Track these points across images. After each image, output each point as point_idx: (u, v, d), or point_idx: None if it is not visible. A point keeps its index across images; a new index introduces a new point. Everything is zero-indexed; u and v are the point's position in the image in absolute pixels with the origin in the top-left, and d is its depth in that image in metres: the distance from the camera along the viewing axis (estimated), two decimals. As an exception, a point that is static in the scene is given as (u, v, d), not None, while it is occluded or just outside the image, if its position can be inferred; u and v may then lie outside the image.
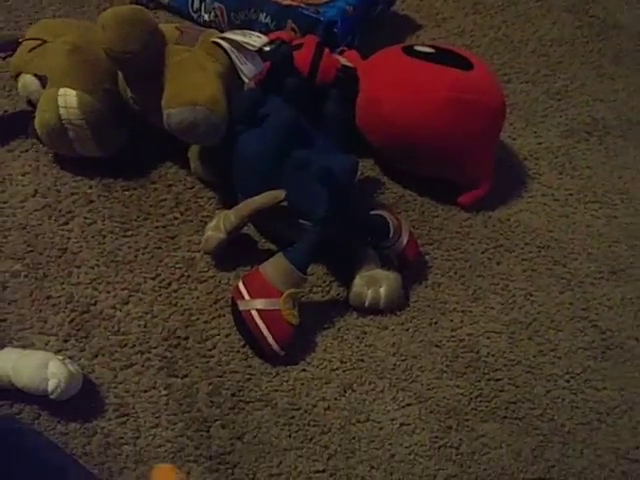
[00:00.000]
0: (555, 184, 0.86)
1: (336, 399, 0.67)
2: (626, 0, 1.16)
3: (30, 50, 0.78)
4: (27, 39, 0.79)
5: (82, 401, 0.64)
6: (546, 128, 0.92)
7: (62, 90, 0.75)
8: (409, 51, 0.79)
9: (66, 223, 0.77)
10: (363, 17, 0.93)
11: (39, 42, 0.78)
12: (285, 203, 0.71)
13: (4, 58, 0.83)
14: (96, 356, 0.68)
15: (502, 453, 0.65)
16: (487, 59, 0.90)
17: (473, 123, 0.76)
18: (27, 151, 0.82)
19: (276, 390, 0.67)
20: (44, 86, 0.77)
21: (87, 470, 0.58)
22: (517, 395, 0.69)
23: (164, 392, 0.66)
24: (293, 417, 0.66)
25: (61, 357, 0.63)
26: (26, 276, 0.72)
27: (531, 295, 0.77)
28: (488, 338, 0.73)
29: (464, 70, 0.77)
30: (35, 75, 0.77)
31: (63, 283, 0.72)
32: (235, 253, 0.75)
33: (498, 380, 0.70)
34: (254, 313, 0.68)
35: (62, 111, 0.75)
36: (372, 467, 0.63)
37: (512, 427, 0.67)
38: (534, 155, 0.89)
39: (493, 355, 0.72)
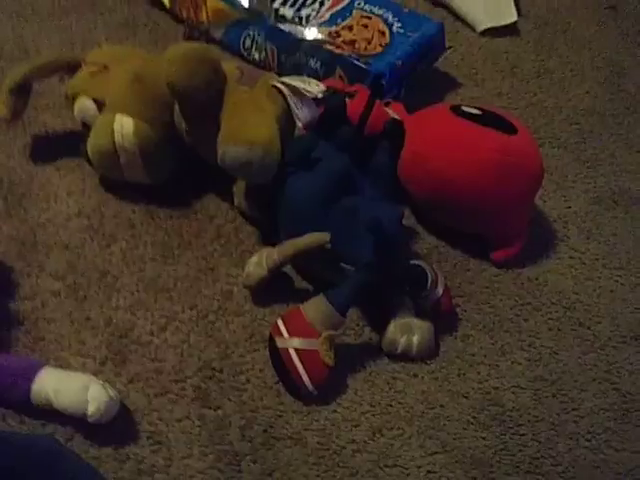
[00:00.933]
0: (582, 248, 0.89)
1: (365, 442, 0.68)
2: (654, 76, 1.21)
3: (91, 74, 0.80)
4: (89, 63, 0.81)
5: (116, 426, 0.65)
6: (575, 193, 0.95)
7: (119, 116, 0.77)
8: (457, 111, 0.82)
9: (108, 246, 0.78)
10: (410, 71, 0.96)
11: (101, 67, 0.80)
12: (329, 246, 0.73)
13: (61, 79, 0.86)
14: (131, 381, 0.69)
15: (525, 510, 0.67)
16: (522, 122, 0.94)
17: (514, 185, 0.79)
18: (74, 171, 0.84)
19: (307, 429, 0.68)
20: (100, 110, 0.79)
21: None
22: (540, 451, 0.71)
23: (197, 423, 0.67)
24: (323, 457, 0.67)
25: (101, 381, 0.64)
26: (66, 296, 0.73)
27: (556, 354, 0.79)
28: (513, 393, 0.74)
29: (509, 134, 0.80)
30: (94, 99, 0.79)
31: (102, 306, 0.73)
32: (272, 290, 0.77)
33: (522, 435, 0.71)
34: (292, 352, 0.69)
35: (117, 136, 0.77)
36: (399, 514, 0.64)
37: (536, 484, 0.68)
38: (563, 219, 0.92)
39: (518, 410, 0.73)
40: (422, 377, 0.74)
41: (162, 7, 1.07)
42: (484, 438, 0.71)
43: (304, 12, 0.98)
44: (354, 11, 0.99)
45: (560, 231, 0.91)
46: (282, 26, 0.97)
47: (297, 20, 0.97)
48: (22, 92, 0.81)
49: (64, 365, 0.68)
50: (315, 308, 0.71)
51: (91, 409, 0.62)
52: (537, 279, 0.85)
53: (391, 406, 0.72)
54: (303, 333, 0.70)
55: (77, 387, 0.63)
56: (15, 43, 0.96)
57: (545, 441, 0.71)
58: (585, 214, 0.93)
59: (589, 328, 0.82)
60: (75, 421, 0.63)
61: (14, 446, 0.56)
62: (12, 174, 0.81)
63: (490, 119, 0.81)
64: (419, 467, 0.68)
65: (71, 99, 0.82)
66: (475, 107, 0.83)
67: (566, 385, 0.76)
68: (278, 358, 0.70)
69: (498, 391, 0.75)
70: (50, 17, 1.02)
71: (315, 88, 0.77)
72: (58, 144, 0.86)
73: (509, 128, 0.81)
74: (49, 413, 0.64)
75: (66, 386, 0.63)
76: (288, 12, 0.98)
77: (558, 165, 0.97)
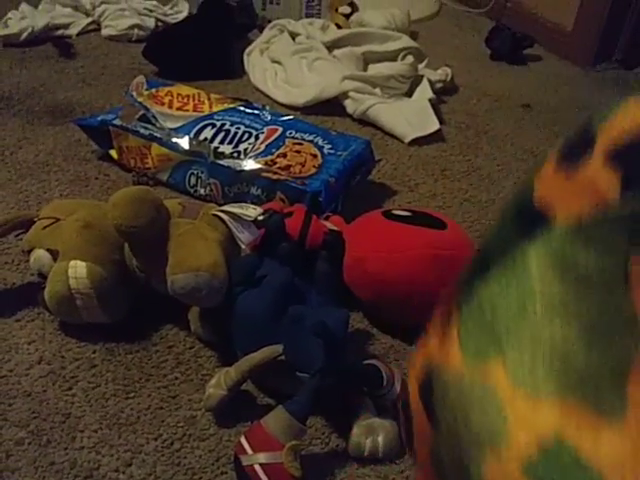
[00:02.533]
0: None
1: None
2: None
3: (44, 227, 0.85)
4: (41, 218, 0.86)
5: None
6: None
7: (72, 262, 0.81)
8: (388, 215, 0.88)
9: (70, 388, 0.79)
10: (344, 186, 1.03)
11: (52, 220, 0.85)
12: (283, 357, 0.76)
13: (17, 235, 0.91)
14: (99, 522, 0.68)
15: None
16: (458, 218, 1.00)
17: (451, 275, 0.83)
18: (34, 320, 0.86)
19: None
20: (55, 259, 0.83)
21: None
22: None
23: None
24: None
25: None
26: (30, 443, 0.73)
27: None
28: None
29: (438, 229, 0.86)
30: (48, 249, 0.84)
31: (67, 448, 0.73)
32: (235, 409, 0.78)
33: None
34: (257, 468, 0.69)
35: (72, 281, 0.80)
36: None
37: None
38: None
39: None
40: (393, 478, 0.74)
41: (111, 160, 1.15)
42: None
43: (241, 147, 1.06)
44: (286, 140, 1.07)
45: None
46: (222, 162, 1.04)
47: (235, 154, 1.05)
48: (-21, 252, 0.86)
49: (30, 515, 0.67)
50: (275, 420, 0.71)
51: None
52: (494, 363, 0.87)
53: (364, 512, 0.71)
54: (266, 447, 0.70)
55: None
56: (-26, 209, 1.02)
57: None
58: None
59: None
60: None
61: None
62: (-28, 331, 0.84)
63: (420, 219, 0.87)
64: None
65: (27, 252, 0.87)
66: (405, 210, 0.89)
67: None
68: (245, 477, 0.70)
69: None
70: (7, 182, 1.08)
71: (253, 212, 0.82)
72: (17, 297, 0.90)
73: (439, 224, 0.86)
74: None
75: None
76: (226, 149, 1.06)
77: (498, 253, 1.03)
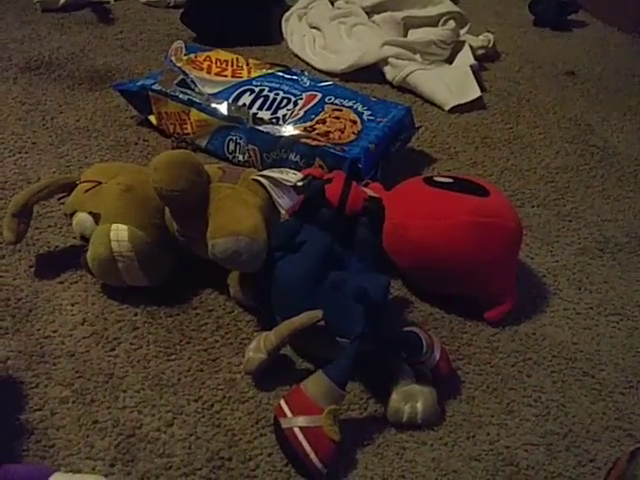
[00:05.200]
0: (575, 299, 0.90)
1: (380, 517, 0.68)
2: (621, 129, 1.26)
3: (86, 191, 0.86)
4: (83, 181, 0.87)
5: (129, 526, 0.65)
6: (560, 247, 0.97)
7: (114, 225, 0.82)
8: (429, 181, 0.87)
9: (112, 349, 0.81)
10: (383, 153, 1.02)
11: (94, 183, 0.86)
12: (323, 322, 0.76)
13: (59, 199, 0.92)
14: (142, 479, 0.69)
15: None
16: (499, 186, 0.98)
17: (493, 243, 0.82)
18: (76, 282, 0.88)
19: (321, 509, 0.68)
20: (97, 223, 0.84)
21: None
22: (562, 509, 0.69)
23: (210, 514, 0.67)
24: (339, 537, 0.66)
25: (110, 481, 0.65)
26: (74, 402, 0.75)
27: (564, 406, 0.78)
28: (526, 450, 0.74)
29: (481, 196, 0.84)
30: (90, 213, 0.85)
31: (110, 407, 0.75)
32: (275, 373, 0.78)
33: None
34: (296, 430, 0.70)
35: (114, 244, 0.81)
36: None
37: (560, 541, 0.66)
38: (552, 272, 0.94)
39: (533, 467, 0.72)
40: (431, 444, 0.74)
41: (150, 126, 1.16)
42: (502, 500, 0.70)
43: (280, 113, 1.05)
44: (325, 106, 1.06)
45: (551, 285, 0.92)
46: (261, 127, 1.04)
47: (274, 120, 1.04)
48: (24, 216, 0.86)
49: (75, 470, 0.69)
50: (315, 384, 0.72)
51: (101, 510, 0.62)
52: (534, 334, 0.86)
53: (403, 477, 0.71)
54: (306, 410, 0.70)
55: (86, 488, 0.63)
56: (17, 174, 1.03)
57: (567, 501, 0.70)
58: (573, 265, 0.95)
59: (594, 377, 0.82)
60: (89, 526, 0.64)
61: None
62: (18, 292, 0.85)
63: (462, 185, 0.86)
64: (438, 537, 0.67)
65: (69, 216, 0.87)
66: (447, 176, 0.88)
67: (579, 437, 0.76)
68: (284, 439, 0.71)
69: (510, 450, 0.74)
70: (49, 147, 1.09)
71: (293, 177, 0.82)
72: (60, 260, 0.91)
73: (481, 191, 0.85)
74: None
75: (75, 489, 0.63)
76: (265, 114, 1.05)
77: (540, 222, 1.01)
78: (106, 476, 0.67)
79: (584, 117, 1.25)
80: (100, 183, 0.86)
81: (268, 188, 0.82)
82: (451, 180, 0.87)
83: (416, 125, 1.09)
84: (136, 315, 0.85)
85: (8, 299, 0.84)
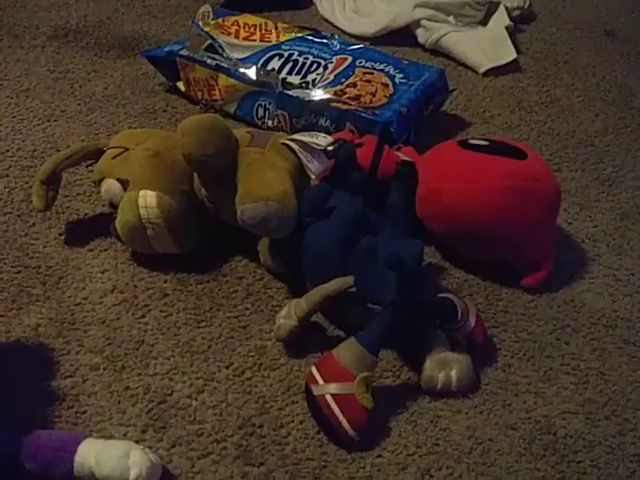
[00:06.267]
0: (615, 264, 0.87)
1: (415, 485, 0.67)
2: (663, 92, 1.21)
3: (114, 157, 0.85)
4: (111, 147, 0.86)
5: (161, 491, 0.65)
6: (600, 212, 0.94)
7: (142, 192, 0.81)
8: (464, 144, 0.84)
9: (143, 316, 0.80)
10: (416, 117, 0.99)
11: (122, 149, 0.85)
12: (354, 289, 0.74)
13: (88, 165, 0.91)
14: (173, 446, 0.69)
15: (592, 539, 0.63)
16: (536, 150, 0.95)
17: (531, 207, 0.79)
18: (106, 250, 0.87)
19: (353, 477, 0.67)
20: (125, 189, 0.83)
21: None
22: (600, 477, 0.67)
23: (241, 481, 0.67)
24: (372, 504, 0.65)
25: (142, 447, 0.65)
26: (105, 368, 0.75)
27: (603, 374, 0.76)
28: (564, 419, 0.72)
29: (518, 159, 0.81)
30: (118, 179, 0.84)
31: (140, 374, 0.75)
32: (305, 340, 0.77)
33: (579, 462, 0.68)
34: (328, 398, 0.69)
35: (142, 211, 0.80)
36: None
37: (600, 511, 0.65)
38: (592, 238, 0.91)
39: (571, 436, 0.70)
40: (466, 412, 0.73)
41: (179, 92, 1.14)
42: (539, 469, 0.68)
43: (310, 77, 1.03)
44: (356, 69, 1.03)
45: (590, 250, 0.89)
46: (290, 92, 1.02)
47: (304, 85, 1.02)
48: (53, 182, 0.86)
49: (106, 436, 0.69)
50: (347, 351, 0.70)
51: (133, 475, 0.62)
52: (573, 301, 0.84)
53: (437, 445, 0.70)
54: (338, 378, 0.69)
55: (118, 454, 0.63)
56: (46, 142, 1.03)
57: (604, 466, 0.68)
58: (614, 231, 0.92)
59: (634, 344, 0.79)
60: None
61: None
62: (48, 260, 0.85)
63: (498, 148, 0.83)
64: (474, 505, 0.65)
65: (98, 183, 0.87)
66: (482, 139, 0.85)
67: (619, 405, 0.73)
68: (316, 406, 0.70)
69: (548, 419, 0.72)
70: (77, 115, 1.09)
71: (323, 140, 0.80)
72: (90, 227, 0.91)
73: (518, 154, 0.82)
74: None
75: (107, 454, 0.63)
76: (294, 79, 1.03)
77: (579, 187, 0.97)
78: (137, 442, 0.67)
79: (624, 79, 1.20)
80: (128, 149, 0.85)
81: (298, 152, 0.80)
82: (487, 142, 0.84)
83: (450, 88, 1.06)
84: (166, 282, 0.84)
85: (39, 267, 0.84)
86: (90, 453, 0.63)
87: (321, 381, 0.70)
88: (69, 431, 0.69)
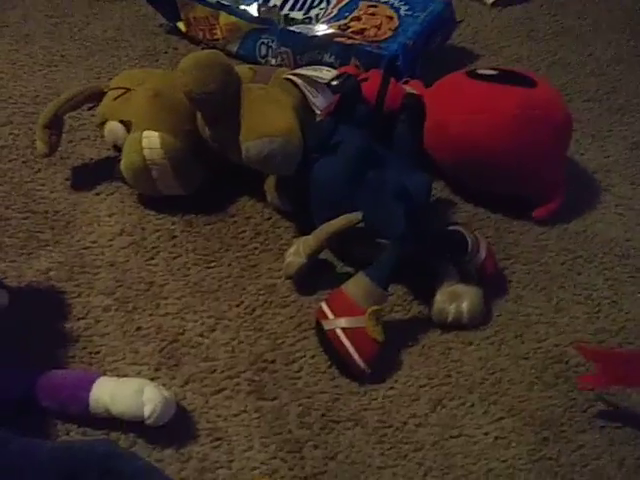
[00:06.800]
0: (629, 194, 0.86)
1: (427, 415, 0.67)
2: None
3: (115, 98, 0.83)
4: (112, 89, 0.85)
5: (176, 427, 0.65)
6: (613, 142, 0.92)
7: (146, 133, 0.79)
8: (472, 74, 0.82)
9: (152, 258, 0.80)
10: (423, 49, 0.97)
11: (123, 91, 0.84)
12: (362, 224, 0.73)
13: (90, 108, 0.90)
14: (187, 383, 0.69)
15: (604, 463, 0.63)
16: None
17: (541, 137, 0.78)
18: (113, 194, 0.87)
19: (365, 409, 0.67)
20: (129, 131, 0.82)
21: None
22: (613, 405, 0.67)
23: (255, 415, 0.67)
24: (385, 435, 0.66)
25: (155, 384, 0.65)
26: (117, 310, 0.75)
27: (616, 303, 0.76)
28: (576, 350, 0.72)
29: (528, 88, 0.79)
30: (120, 121, 0.83)
31: (152, 314, 0.75)
32: (315, 277, 0.77)
33: (591, 389, 0.68)
34: (339, 332, 0.69)
35: (146, 152, 0.79)
36: (470, 481, 0.62)
37: (612, 436, 0.65)
38: (604, 168, 0.89)
39: (583, 365, 0.70)
40: (478, 344, 0.73)
41: (179, 33, 1.12)
42: (551, 397, 0.68)
43: (312, 12, 1.01)
44: (360, 2, 1.01)
45: (603, 181, 0.88)
46: (293, 28, 0.99)
47: (307, 20, 0.99)
48: (55, 126, 0.85)
49: (120, 375, 0.70)
50: (356, 286, 0.70)
51: (147, 411, 0.62)
52: (585, 231, 0.83)
53: (449, 376, 0.70)
54: (348, 312, 0.69)
55: (132, 391, 0.63)
56: (48, 88, 1.01)
57: (617, 393, 0.68)
58: (626, 160, 0.90)
59: (648, 273, 0.79)
60: (136, 428, 0.65)
61: (74, 453, 0.58)
62: (56, 205, 0.85)
63: (507, 77, 0.81)
64: (486, 434, 0.66)
65: (101, 126, 0.86)
66: (491, 68, 0.83)
67: (631, 333, 0.73)
68: (327, 341, 0.70)
69: (559, 348, 0.72)
70: (78, 59, 1.07)
71: (327, 74, 0.78)
72: (96, 171, 0.90)
73: (528, 82, 0.80)
74: (109, 423, 0.65)
75: (122, 391, 0.64)
76: (297, 15, 1.00)
77: (590, 117, 0.95)
78: (152, 380, 0.68)
79: (636, 6, 1.16)
80: (129, 90, 0.83)
81: (302, 87, 0.78)
82: (495, 72, 0.82)
83: (457, 20, 1.03)
84: (174, 224, 0.84)
85: (47, 212, 0.84)
86: (105, 391, 0.64)
87: (331, 316, 0.70)
88: (83, 370, 0.70)
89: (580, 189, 0.87)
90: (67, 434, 0.65)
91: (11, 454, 0.56)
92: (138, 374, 0.70)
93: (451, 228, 0.75)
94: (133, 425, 0.64)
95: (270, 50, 1.02)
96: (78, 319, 0.74)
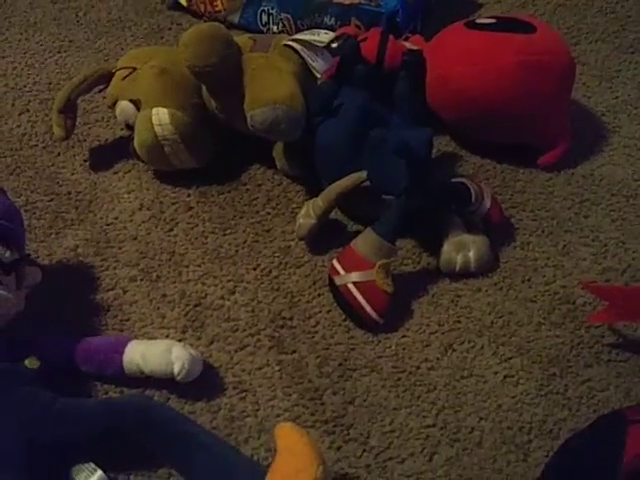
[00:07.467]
0: (637, 134, 0.86)
1: (438, 359, 0.70)
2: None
3: (123, 78, 0.86)
4: (119, 69, 0.88)
5: (204, 383, 0.70)
6: (621, 82, 0.92)
7: (155, 110, 0.82)
8: (471, 25, 0.82)
9: (171, 230, 0.84)
10: (423, 4, 0.96)
11: (130, 70, 0.86)
12: (368, 182, 0.76)
13: (100, 91, 0.93)
14: (212, 342, 0.74)
15: (610, 394, 0.66)
16: (553, 25, 0.92)
17: (543, 83, 0.78)
18: (130, 171, 0.90)
19: (380, 356, 0.71)
20: (139, 109, 0.85)
21: (217, 437, 0.64)
22: (619, 339, 0.69)
23: (277, 368, 0.71)
24: (399, 379, 0.69)
25: (182, 343, 0.70)
26: (142, 279, 0.79)
27: (623, 243, 0.77)
28: (583, 288, 0.73)
29: (527, 34, 0.79)
30: (130, 100, 0.85)
31: (175, 282, 0.79)
32: (326, 237, 0.80)
33: (598, 327, 0.70)
34: (350, 286, 0.72)
35: (157, 129, 0.82)
36: (481, 418, 0.65)
37: (618, 369, 0.67)
38: (612, 110, 0.89)
39: (590, 304, 0.72)
40: (486, 290, 0.75)
41: (181, 8, 1.13)
42: (558, 336, 0.70)
43: (311, -24, 1.01)
44: (357, -39, 1.00)
45: (611, 122, 0.88)
46: (292, -7, 1.00)
47: (305, -16, 1.00)
48: (69, 110, 0.88)
49: (150, 339, 0.74)
50: (365, 242, 0.73)
51: (177, 368, 0.67)
52: (592, 175, 0.83)
53: (459, 322, 0.73)
54: (358, 267, 0.72)
55: (161, 350, 0.68)
56: (60, 73, 1.04)
57: (623, 329, 0.70)
58: (635, 100, 0.90)
59: (656, 212, 0.79)
60: (169, 385, 0.69)
61: (113, 406, 0.63)
62: (77, 186, 0.89)
63: (506, 25, 0.81)
64: (496, 373, 0.69)
65: (112, 106, 0.89)
66: (490, 17, 0.83)
67: (638, 272, 0.74)
68: (340, 296, 0.73)
69: (567, 289, 0.74)
70: (86, 43, 1.10)
71: (325, 37, 0.79)
72: (112, 151, 0.93)
73: (527, 28, 0.80)
74: (144, 382, 0.70)
75: (152, 351, 0.68)
76: (295, -20, 1.01)
77: (598, 58, 0.95)
78: (179, 341, 0.72)
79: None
80: (136, 69, 0.86)
81: (301, 52, 0.80)
82: (494, 20, 0.82)
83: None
84: (189, 196, 0.87)
85: (69, 192, 0.88)
86: (137, 352, 0.68)
87: (342, 272, 0.73)
88: (115, 335, 0.74)
89: (587, 132, 0.87)
90: (106, 394, 0.70)
91: (58, 410, 0.61)
92: (166, 337, 0.74)
93: (454, 180, 0.77)
94: (166, 383, 0.68)
95: (271, 17, 1.03)
96: (107, 290, 0.78)
